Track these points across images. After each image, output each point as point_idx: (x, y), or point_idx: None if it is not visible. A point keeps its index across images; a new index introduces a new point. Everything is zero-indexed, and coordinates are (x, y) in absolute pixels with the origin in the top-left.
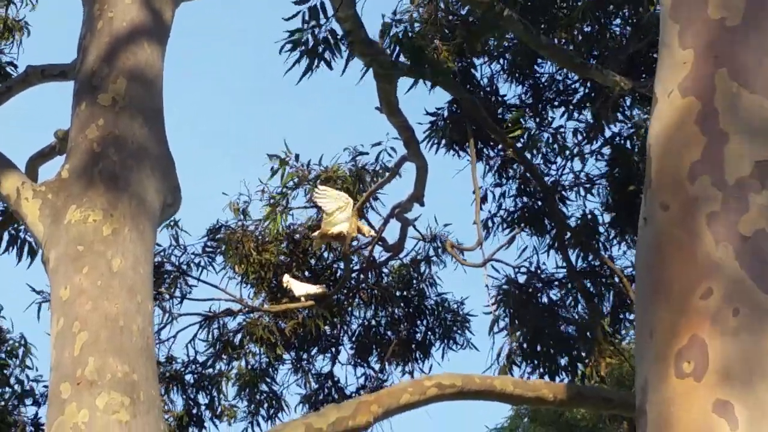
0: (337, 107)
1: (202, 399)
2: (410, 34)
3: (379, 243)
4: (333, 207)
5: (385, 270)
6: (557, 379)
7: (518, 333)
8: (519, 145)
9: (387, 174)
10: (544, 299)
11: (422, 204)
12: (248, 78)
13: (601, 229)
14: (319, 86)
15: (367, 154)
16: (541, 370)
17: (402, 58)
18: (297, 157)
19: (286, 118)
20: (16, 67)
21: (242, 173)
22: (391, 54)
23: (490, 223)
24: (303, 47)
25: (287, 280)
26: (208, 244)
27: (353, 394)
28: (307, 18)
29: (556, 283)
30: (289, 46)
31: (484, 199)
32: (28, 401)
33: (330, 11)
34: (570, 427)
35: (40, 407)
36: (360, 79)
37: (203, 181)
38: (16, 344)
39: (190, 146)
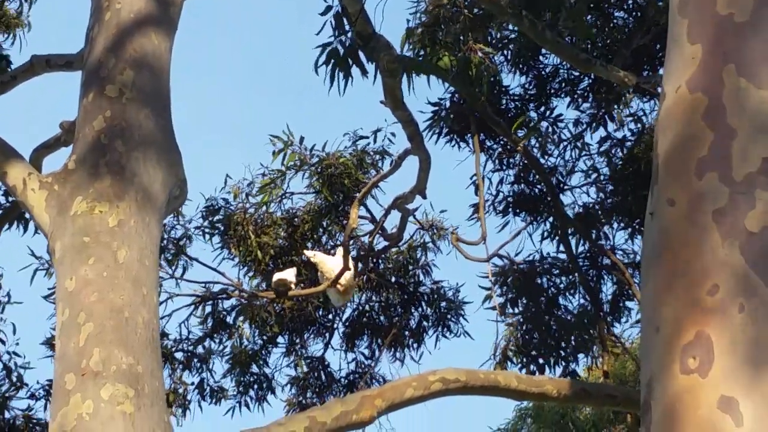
0: (343, 99)
1: (189, 378)
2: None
3: (379, 233)
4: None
5: (381, 256)
6: (556, 370)
7: (516, 321)
8: (521, 132)
9: (388, 162)
10: (545, 285)
11: (424, 196)
12: (258, 70)
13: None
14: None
15: (367, 137)
16: (540, 361)
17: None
18: (301, 139)
19: (293, 111)
20: (10, 63)
21: (248, 160)
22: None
23: (484, 209)
24: (335, 58)
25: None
26: (206, 224)
27: (342, 379)
28: (333, 27)
29: (557, 270)
30: (323, 58)
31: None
32: (22, 393)
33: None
34: (573, 428)
35: (36, 401)
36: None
37: (209, 169)
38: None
39: (197, 135)
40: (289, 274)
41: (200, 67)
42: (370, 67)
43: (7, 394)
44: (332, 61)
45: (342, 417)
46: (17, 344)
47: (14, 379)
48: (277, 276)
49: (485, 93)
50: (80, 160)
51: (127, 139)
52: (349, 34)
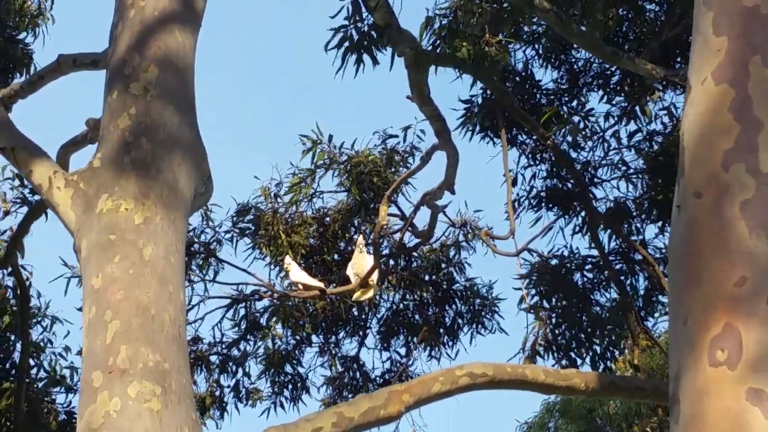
0: (370, 97)
1: (225, 381)
2: (455, 27)
3: (409, 229)
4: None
5: (414, 254)
6: (588, 367)
7: (547, 316)
8: (552, 128)
9: (417, 158)
10: (576, 280)
11: (453, 192)
12: (258, 70)
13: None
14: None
15: (396, 137)
16: (572, 355)
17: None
18: (330, 138)
19: (293, 111)
20: (32, 59)
21: (248, 160)
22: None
23: (517, 205)
24: (348, 42)
25: (288, 262)
26: (236, 224)
27: (377, 378)
28: (350, 13)
29: (588, 266)
30: (335, 42)
31: (514, 181)
32: (60, 389)
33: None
34: (600, 423)
35: (75, 394)
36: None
37: (236, 170)
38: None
39: (223, 136)
40: (306, 277)
41: (199, 66)
42: (384, 58)
43: (47, 390)
44: (345, 44)
45: (369, 412)
46: (65, 349)
47: (58, 378)
48: (300, 280)
49: (496, 84)
50: (105, 157)
51: (152, 136)
52: (365, 21)
